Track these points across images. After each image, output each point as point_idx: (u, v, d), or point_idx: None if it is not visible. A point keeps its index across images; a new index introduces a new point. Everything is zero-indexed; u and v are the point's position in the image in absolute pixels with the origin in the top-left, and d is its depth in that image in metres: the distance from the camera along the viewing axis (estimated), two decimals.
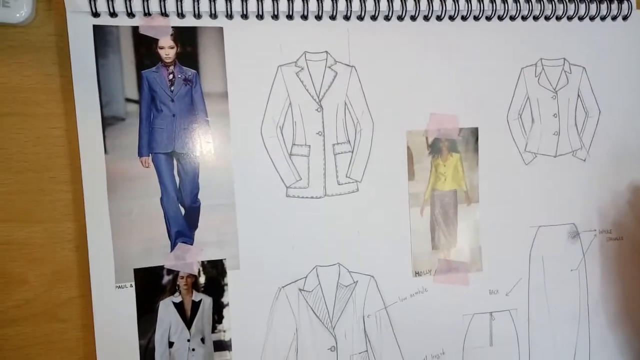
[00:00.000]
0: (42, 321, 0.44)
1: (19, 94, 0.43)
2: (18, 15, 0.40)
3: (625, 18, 0.53)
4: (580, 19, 0.52)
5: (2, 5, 0.39)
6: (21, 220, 0.44)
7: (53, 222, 0.44)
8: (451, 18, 0.49)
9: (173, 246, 0.45)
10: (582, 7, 0.52)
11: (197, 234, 0.46)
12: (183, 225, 0.45)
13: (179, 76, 0.44)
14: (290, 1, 0.45)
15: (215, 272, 0.46)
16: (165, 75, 0.44)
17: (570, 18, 0.52)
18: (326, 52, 0.48)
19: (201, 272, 0.46)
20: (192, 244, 0.46)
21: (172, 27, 0.44)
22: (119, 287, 0.44)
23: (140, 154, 0.44)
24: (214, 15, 0.45)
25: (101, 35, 0.43)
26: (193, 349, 0.46)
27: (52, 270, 0.43)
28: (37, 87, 0.43)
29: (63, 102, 0.43)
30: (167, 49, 0.44)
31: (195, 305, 0.46)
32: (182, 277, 0.45)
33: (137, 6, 0.43)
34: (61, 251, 0.44)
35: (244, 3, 0.44)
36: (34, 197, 0.44)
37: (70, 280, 0.44)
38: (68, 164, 0.44)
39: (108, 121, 0.44)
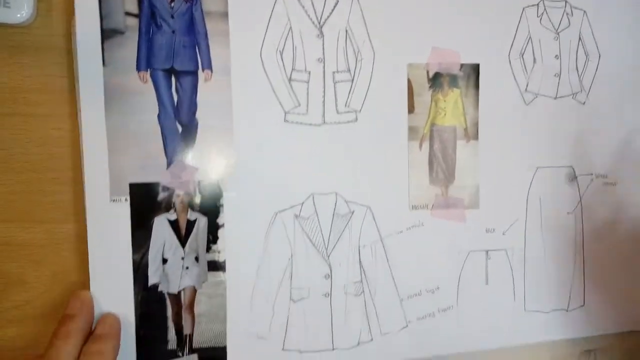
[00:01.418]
0: (42, 322, 0.41)
1: (20, 94, 0.40)
2: (19, 15, 0.38)
3: None
4: None
5: (3, 5, 0.37)
6: (22, 221, 0.41)
7: (54, 223, 0.41)
8: None
9: (169, 164, 0.42)
10: None
11: (194, 152, 0.42)
12: (180, 143, 0.42)
13: None
14: None
15: (211, 192, 0.43)
16: None
17: None
18: None
19: (197, 192, 0.43)
20: (188, 163, 0.42)
21: None
22: (114, 200, 0.41)
23: (138, 68, 0.41)
24: None
25: None
26: (187, 267, 0.43)
27: (53, 271, 0.40)
28: (38, 88, 0.40)
29: (64, 103, 0.40)
30: None
31: (190, 224, 0.42)
32: (178, 195, 0.42)
33: None
34: (62, 252, 0.41)
35: None
36: (35, 198, 0.41)
37: (70, 282, 0.41)
38: (69, 165, 0.41)
39: (107, 34, 0.40)
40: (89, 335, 0.39)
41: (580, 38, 0.50)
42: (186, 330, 0.42)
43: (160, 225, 0.41)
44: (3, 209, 0.41)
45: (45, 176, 0.41)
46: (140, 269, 0.41)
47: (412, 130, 0.47)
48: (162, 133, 0.41)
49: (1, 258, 0.41)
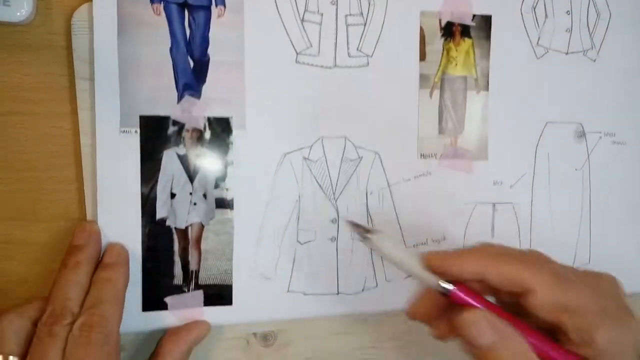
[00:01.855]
0: None
1: (19, 93, 0.39)
2: (18, 14, 0.37)
3: None
4: None
5: (3, 4, 0.36)
6: (22, 220, 0.40)
7: (54, 222, 0.40)
8: None
9: (180, 98, 0.41)
10: None
11: (205, 88, 0.42)
12: (191, 78, 0.41)
13: None
14: None
15: (220, 129, 0.42)
16: None
17: None
18: None
19: (207, 128, 0.42)
20: (199, 98, 0.42)
21: None
22: (124, 131, 0.40)
23: (152, 0, 0.40)
24: None
25: None
26: (195, 203, 0.42)
27: (53, 270, 0.38)
28: (38, 86, 0.39)
29: (64, 101, 0.40)
30: None
31: (199, 159, 0.42)
32: (188, 130, 0.41)
33: None
34: (62, 251, 0.39)
35: None
36: (35, 197, 0.40)
37: None
38: (69, 163, 0.40)
39: None
40: (97, 266, 0.38)
41: None
42: (192, 267, 0.41)
43: (170, 159, 0.40)
44: (3, 207, 0.40)
45: (45, 175, 0.40)
46: (148, 202, 0.40)
47: (423, 78, 0.46)
48: (173, 67, 0.40)
49: (1, 256, 0.40)
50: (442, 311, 0.33)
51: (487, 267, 0.30)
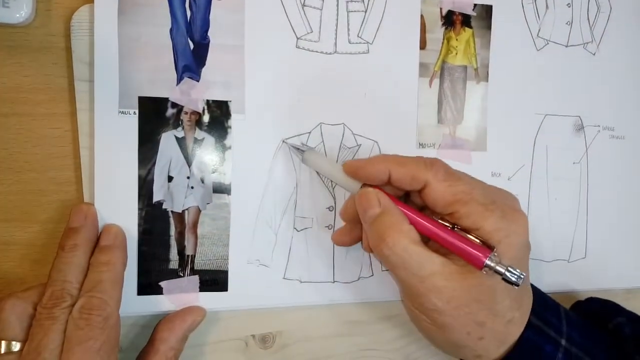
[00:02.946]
0: None
1: (19, 94, 0.40)
2: (18, 15, 0.37)
3: None
4: None
5: (2, 5, 0.36)
6: (21, 221, 0.41)
7: (53, 223, 0.41)
8: None
9: (179, 80, 0.42)
10: None
11: (204, 71, 0.43)
12: (191, 60, 0.42)
13: None
14: None
15: (219, 112, 0.43)
16: None
17: None
18: None
19: (205, 111, 0.43)
20: (198, 81, 0.43)
21: None
22: (122, 112, 0.41)
23: None
24: None
25: None
26: (192, 187, 0.43)
27: None
28: (37, 88, 0.40)
29: (63, 103, 0.40)
30: None
31: (198, 143, 0.43)
32: (186, 113, 0.42)
33: None
34: None
35: None
36: (34, 198, 0.41)
37: None
38: (68, 165, 0.41)
39: None
40: (94, 248, 0.39)
41: None
42: (188, 251, 0.42)
43: (168, 142, 0.41)
44: (2, 208, 0.40)
45: (44, 176, 0.41)
46: (145, 185, 0.41)
47: (422, 67, 0.47)
48: (173, 48, 0.41)
49: (0, 257, 0.41)
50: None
51: (392, 167, 0.36)
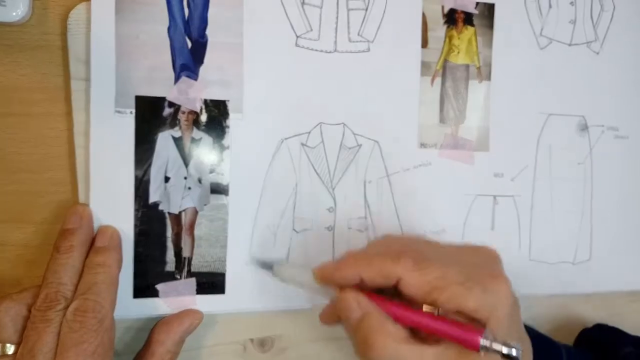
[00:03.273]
0: None
1: (15, 93, 0.39)
2: (14, 14, 0.37)
3: None
4: None
5: None
6: (16, 221, 0.40)
7: (49, 224, 0.40)
8: None
9: (177, 79, 0.42)
10: None
11: (202, 70, 0.42)
12: (188, 58, 0.42)
13: None
14: None
15: (217, 112, 0.43)
16: None
17: None
18: None
19: (203, 110, 0.42)
20: (196, 80, 0.42)
21: None
22: (119, 112, 0.41)
23: None
24: None
25: None
26: (189, 188, 0.42)
27: None
28: (34, 87, 0.39)
29: (60, 102, 0.40)
30: None
31: (195, 143, 0.42)
32: (184, 113, 0.42)
33: None
34: None
35: None
36: (30, 198, 0.40)
37: None
38: (64, 165, 0.40)
39: None
40: (90, 249, 0.39)
41: None
42: (185, 253, 0.42)
43: (165, 142, 0.41)
44: None
45: (40, 176, 0.40)
46: (141, 186, 0.41)
47: (424, 66, 0.46)
48: (171, 47, 0.41)
49: None
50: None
51: (361, 270, 0.35)
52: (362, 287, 0.35)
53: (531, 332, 0.40)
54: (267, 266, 0.40)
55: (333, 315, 0.37)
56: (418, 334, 0.34)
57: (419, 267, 0.34)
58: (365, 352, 0.34)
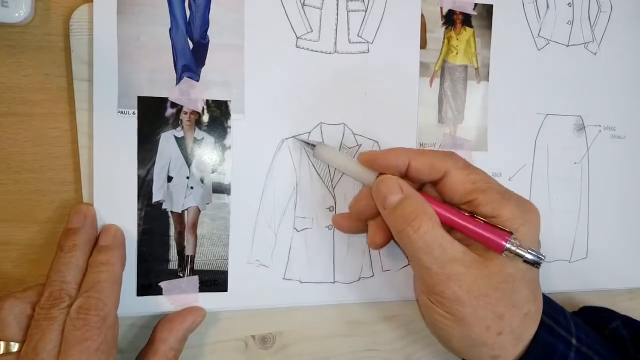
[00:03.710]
0: None
1: (18, 94, 0.40)
2: (17, 14, 0.37)
3: None
4: None
5: (1, 4, 0.36)
6: (19, 221, 0.40)
7: (52, 223, 0.41)
8: None
9: (178, 80, 0.42)
10: None
11: (204, 71, 0.42)
12: (190, 59, 0.42)
13: None
14: None
15: (219, 112, 0.43)
16: None
17: None
18: None
19: (205, 111, 0.43)
20: (197, 81, 0.42)
21: None
22: (121, 112, 0.41)
23: None
24: None
25: None
26: (191, 187, 0.43)
27: None
28: (36, 87, 0.40)
29: (62, 102, 0.40)
30: None
31: (197, 143, 0.43)
32: (186, 113, 0.42)
33: None
34: None
35: None
36: (33, 198, 0.40)
37: None
38: (67, 165, 0.41)
39: None
40: (93, 248, 0.39)
41: None
42: (188, 252, 0.42)
43: (167, 141, 0.41)
44: (1, 208, 0.40)
45: (43, 176, 0.41)
46: (144, 185, 0.41)
47: (423, 67, 0.47)
48: (172, 48, 0.41)
49: None
50: (376, 212, 0.39)
51: (411, 157, 0.37)
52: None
53: None
54: (310, 145, 0.41)
55: (363, 204, 0.39)
56: (451, 235, 0.36)
57: (468, 167, 0.37)
58: (403, 230, 0.35)
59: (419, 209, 0.35)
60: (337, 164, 0.41)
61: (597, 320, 0.45)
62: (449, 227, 0.37)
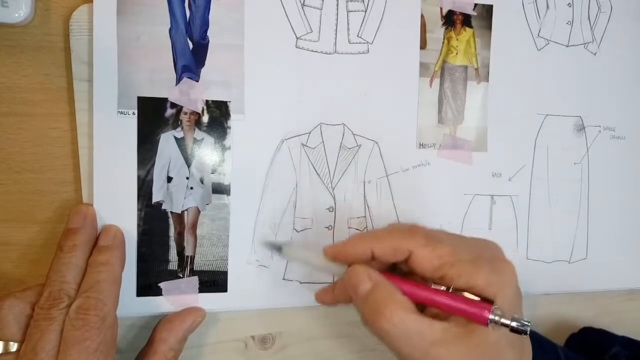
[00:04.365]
0: None
1: (18, 94, 0.39)
2: (17, 15, 0.37)
3: None
4: None
5: (1, 5, 0.36)
6: (19, 221, 0.40)
7: (52, 223, 0.41)
8: None
9: (178, 80, 0.42)
10: None
11: (204, 71, 0.42)
12: (190, 60, 0.42)
13: None
14: None
15: (219, 113, 0.43)
16: None
17: None
18: None
19: (205, 111, 0.42)
20: (197, 81, 0.42)
21: None
22: (121, 112, 0.41)
23: None
24: None
25: None
26: (191, 188, 0.42)
27: None
28: (36, 87, 0.40)
29: (62, 103, 0.40)
30: None
31: (197, 143, 0.42)
32: (186, 113, 0.42)
33: None
34: None
35: None
36: (33, 198, 0.40)
37: None
38: (67, 165, 0.40)
39: None
40: (93, 248, 0.39)
41: None
42: (188, 252, 0.42)
43: (167, 142, 0.41)
44: (1, 209, 0.40)
45: (43, 176, 0.40)
46: (144, 186, 0.41)
47: (423, 67, 0.47)
48: (172, 48, 0.41)
49: None
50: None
51: (372, 246, 0.36)
52: (371, 266, 0.36)
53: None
54: (276, 247, 0.40)
55: (342, 292, 0.38)
56: (425, 313, 0.34)
57: (431, 243, 0.35)
58: (374, 322, 0.34)
59: (388, 298, 0.34)
60: (305, 262, 0.40)
61: (596, 345, 0.45)
62: (424, 306, 0.35)
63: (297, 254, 0.40)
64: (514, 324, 0.33)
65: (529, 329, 0.33)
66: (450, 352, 0.33)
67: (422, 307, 0.35)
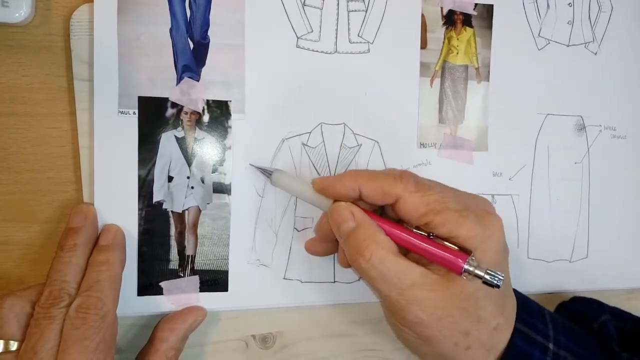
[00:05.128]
0: None
1: (18, 94, 0.39)
2: (17, 15, 0.37)
3: None
4: None
5: (1, 4, 0.36)
6: (20, 221, 0.40)
7: (52, 223, 0.40)
8: None
9: (179, 80, 0.41)
10: None
11: (204, 71, 0.42)
12: (191, 59, 0.41)
13: None
14: None
15: (219, 112, 0.42)
16: None
17: None
18: None
19: (205, 111, 0.42)
20: (198, 81, 0.42)
21: None
22: (122, 112, 0.41)
23: None
24: None
25: None
26: (192, 187, 0.42)
27: None
28: (36, 87, 0.39)
29: (62, 102, 0.40)
30: None
31: (197, 143, 0.42)
32: (186, 113, 0.42)
33: None
34: None
35: None
36: (33, 198, 0.40)
37: None
38: (67, 165, 0.40)
39: None
40: (94, 248, 0.38)
41: None
42: (188, 251, 0.42)
43: (168, 142, 0.40)
44: (1, 208, 0.40)
45: (43, 176, 0.40)
46: (145, 185, 0.40)
47: (423, 67, 0.46)
48: (173, 48, 0.40)
49: (0, 258, 0.40)
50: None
51: (362, 183, 0.35)
52: (357, 204, 0.36)
53: (515, 291, 0.40)
54: (267, 172, 0.40)
55: (326, 228, 0.38)
56: (408, 257, 0.35)
57: (420, 189, 0.34)
58: (355, 260, 0.34)
59: (370, 238, 0.34)
60: (293, 191, 0.40)
61: (587, 313, 0.44)
62: (407, 250, 0.35)
63: (286, 181, 0.39)
64: (487, 276, 0.33)
65: (501, 282, 0.33)
66: (427, 296, 0.33)
67: (406, 252, 0.35)
